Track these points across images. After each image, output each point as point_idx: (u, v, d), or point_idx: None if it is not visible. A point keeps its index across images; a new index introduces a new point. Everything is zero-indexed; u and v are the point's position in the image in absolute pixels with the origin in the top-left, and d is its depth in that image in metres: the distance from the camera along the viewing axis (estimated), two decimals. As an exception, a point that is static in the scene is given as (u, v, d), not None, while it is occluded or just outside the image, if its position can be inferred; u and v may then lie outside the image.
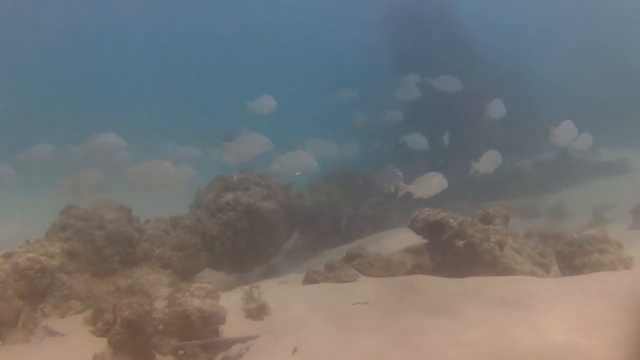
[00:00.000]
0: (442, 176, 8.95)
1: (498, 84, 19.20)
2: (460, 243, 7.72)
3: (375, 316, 6.10)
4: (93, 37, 40.59)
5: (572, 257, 7.97)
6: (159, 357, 6.15)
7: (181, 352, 6.25)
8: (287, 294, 7.35)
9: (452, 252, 7.83)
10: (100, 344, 6.08)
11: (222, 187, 10.58)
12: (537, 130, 17.95)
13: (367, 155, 17.70)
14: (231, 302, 7.14)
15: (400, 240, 9.89)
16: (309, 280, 7.93)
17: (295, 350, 5.56)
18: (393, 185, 12.56)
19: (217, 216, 10.11)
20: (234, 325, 6.60)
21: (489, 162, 11.67)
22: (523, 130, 17.94)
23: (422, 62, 19.35)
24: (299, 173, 10.02)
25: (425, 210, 8.58)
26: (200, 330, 6.29)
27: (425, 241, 8.56)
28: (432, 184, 8.98)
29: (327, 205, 12.53)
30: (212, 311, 6.06)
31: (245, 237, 10.21)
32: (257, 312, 6.88)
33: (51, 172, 12.17)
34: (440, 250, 8.10)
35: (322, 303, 6.78)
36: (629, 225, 11.89)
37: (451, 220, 8.22)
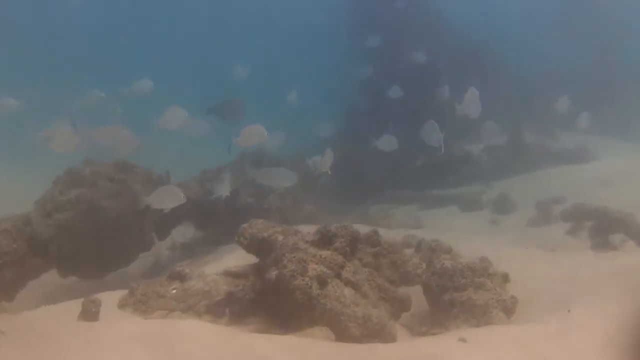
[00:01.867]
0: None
1: (467, 58, 16.29)
2: (273, 274, 5.18)
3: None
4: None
5: (440, 292, 5.39)
6: None
7: None
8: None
9: (268, 284, 5.32)
10: None
11: (70, 182, 8.20)
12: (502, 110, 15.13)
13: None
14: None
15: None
16: (85, 314, 5.50)
17: None
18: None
19: (54, 216, 7.77)
20: None
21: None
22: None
23: (383, 27, 16.50)
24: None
25: (258, 222, 6.04)
26: None
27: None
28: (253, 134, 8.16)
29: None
30: None
31: (89, 240, 7.87)
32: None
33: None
34: (262, 278, 5.59)
35: None
36: (568, 229, 9.11)
37: (280, 238, 5.68)
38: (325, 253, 5.17)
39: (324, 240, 5.54)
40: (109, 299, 6.30)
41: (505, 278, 5.45)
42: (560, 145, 13.83)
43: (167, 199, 7.79)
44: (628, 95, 16.55)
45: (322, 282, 4.95)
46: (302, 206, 10.70)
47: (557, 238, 9.06)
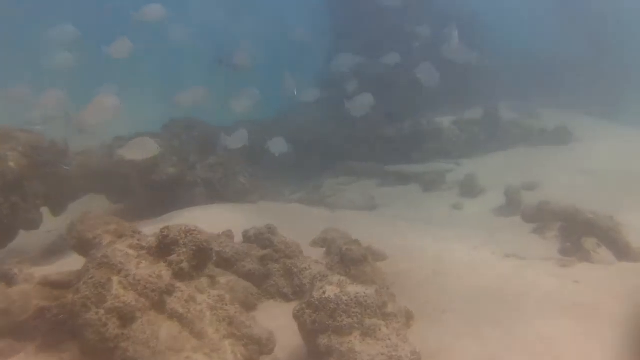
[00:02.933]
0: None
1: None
2: (70, 298, 3.44)
3: None
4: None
5: (316, 333, 3.61)
6: None
7: None
8: None
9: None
10: None
11: None
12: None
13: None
14: None
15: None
16: None
17: None
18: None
19: None
20: None
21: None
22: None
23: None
24: None
25: (91, 217, 4.24)
26: None
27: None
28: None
29: (134, 166, 8.24)
30: None
31: None
32: None
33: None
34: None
35: None
36: (534, 228, 7.26)
37: (107, 241, 3.90)
38: (142, 273, 3.38)
39: (162, 248, 3.74)
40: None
41: (410, 317, 3.65)
42: (540, 124, 11.81)
43: (139, 150, 7.43)
44: (618, 74, 14.42)
45: (126, 317, 3.19)
46: (235, 179, 8.87)
47: (520, 235, 7.26)
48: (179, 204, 8.51)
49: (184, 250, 3.69)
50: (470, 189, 9.71)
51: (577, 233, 6.37)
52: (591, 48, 15.13)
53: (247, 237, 4.97)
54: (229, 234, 4.99)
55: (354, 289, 3.58)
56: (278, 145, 8.79)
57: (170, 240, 3.72)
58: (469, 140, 11.40)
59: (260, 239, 4.91)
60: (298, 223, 7.30)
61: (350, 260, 4.77)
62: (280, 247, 4.85)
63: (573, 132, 11.12)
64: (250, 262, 4.74)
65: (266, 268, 4.75)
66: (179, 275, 3.58)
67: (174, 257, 3.65)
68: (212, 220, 7.14)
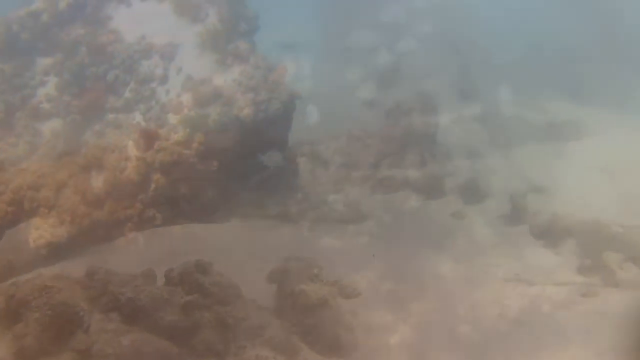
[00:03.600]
0: None
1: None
2: None
3: None
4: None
5: None
6: None
7: None
8: None
9: None
10: None
11: None
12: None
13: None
14: None
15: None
16: None
17: None
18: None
19: None
20: None
21: None
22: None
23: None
24: None
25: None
26: None
27: None
28: None
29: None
30: None
31: None
32: None
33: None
34: None
35: None
36: (545, 242, 6.05)
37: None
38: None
39: (9, 313, 2.61)
40: None
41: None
42: (547, 118, 10.48)
43: None
44: (632, 65, 13.10)
45: None
46: (203, 193, 7.75)
47: (530, 249, 6.07)
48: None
49: (36, 316, 2.56)
50: (472, 194, 8.50)
51: (598, 247, 5.19)
52: (601, 34, 13.85)
53: (169, 278, 3.83)
54: (148, 274, 3.87)
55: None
56: (273, 159, 8.66)
57: (18, 302, 2.60)
58: (470, 139, 10.13)
59: (187, 280, 3.78)
60: (265, 247, 6.19)
61: (302, 307, 3.62)
62: (213, 290, 3.72)
63: (583, 126, 9.80)
64: (171, 312, 3.60)
65: (192, 319, 3.61)
66: (23, 353, 2.45)
67: (19, 328, 2.52)
68: (157, 248, 6.07)
